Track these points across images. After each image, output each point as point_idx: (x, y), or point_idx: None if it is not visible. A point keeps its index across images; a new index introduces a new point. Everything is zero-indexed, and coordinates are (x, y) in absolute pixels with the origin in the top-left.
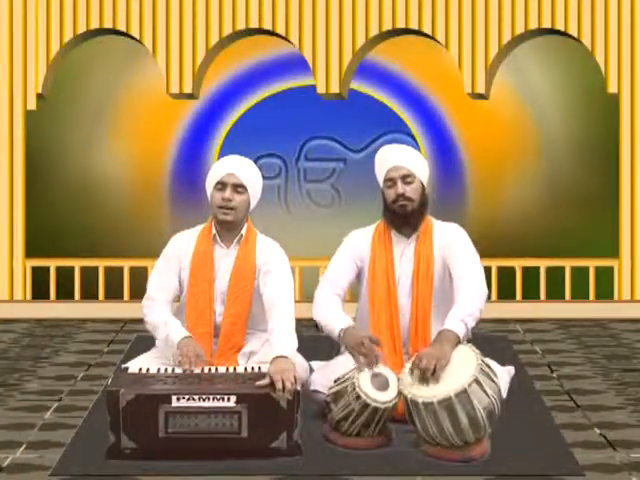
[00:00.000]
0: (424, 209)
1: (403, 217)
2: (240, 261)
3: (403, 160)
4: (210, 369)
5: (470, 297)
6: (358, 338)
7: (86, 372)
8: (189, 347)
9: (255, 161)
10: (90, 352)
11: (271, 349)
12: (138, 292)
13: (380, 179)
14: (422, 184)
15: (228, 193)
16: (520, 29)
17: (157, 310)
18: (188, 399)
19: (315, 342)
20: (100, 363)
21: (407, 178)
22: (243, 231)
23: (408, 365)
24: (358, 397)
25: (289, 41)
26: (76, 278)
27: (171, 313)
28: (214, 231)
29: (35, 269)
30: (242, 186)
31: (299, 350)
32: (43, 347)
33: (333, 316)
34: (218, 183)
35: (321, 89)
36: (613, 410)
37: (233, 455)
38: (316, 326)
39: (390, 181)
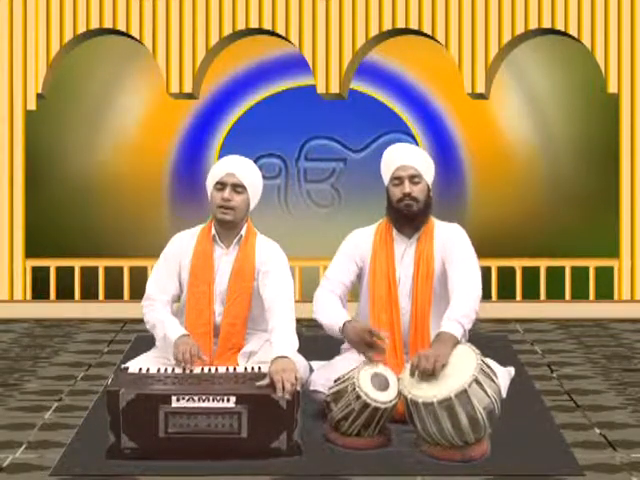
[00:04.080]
0: (428, 210)
1: (407, 217)
2: (239, 261)
3: (412, 160)
4: (210, 369)
5: (464, 298)
6: (359, 332)
7: (86, 372)
8: (185, 346)
9: (255, 161)
10: (90, 352)
11: (271, 349)
12: (138, 292)
13: (387, 177)
14: (428, 186)
15: (227, 193)
16: (520, 29)
17: (156, 310)
18: (188, 399)
19: (315, 342)
20: (100, 363)
21: (415, 178)
22: (243, 231)
23: (408, 366)
24: (358, 397)
25: (289, 41)
26: (76, 278)
27: (171, 313)
28: (214, 231)
29: (35, 269)
30: (241, 186)
31: (299, 350)
32: (43, 347)
33: (332, 314)
34: (218, 183)
35: (321, 89)
36: (613, 410)
37: (233, 456)
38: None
39: (397, 179)
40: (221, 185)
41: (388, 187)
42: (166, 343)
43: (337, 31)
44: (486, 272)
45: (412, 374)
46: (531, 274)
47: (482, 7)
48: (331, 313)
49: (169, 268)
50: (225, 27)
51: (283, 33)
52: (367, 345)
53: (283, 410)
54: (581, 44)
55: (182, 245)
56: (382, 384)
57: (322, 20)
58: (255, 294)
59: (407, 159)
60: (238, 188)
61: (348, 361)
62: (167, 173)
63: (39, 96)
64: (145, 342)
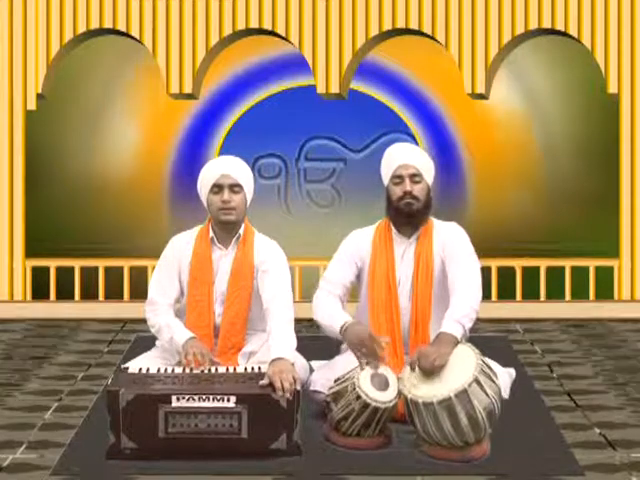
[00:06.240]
0: (428, 210)
1: (407, 216)
2: (238, 261)
3: (413, 159)
4: (210, 369)
5: (464, 298)
6: (360, 336)
7: (86, 372)
8: (195, 347)
9: (255, 161)
10: (90, 352)
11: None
12: (138, 292)
13: (387, 176)
14: (428, 186)
15: (227, 195)
16: (520, 29)
17: (160, 313)
18: (188, 399)
19: (315, 342)
20: (100, 363)
21: (415, 177)
22: (241, 231)
23: (408, 366)
24: (358, 397)
25: (289, 41)
26: (76, 278)
27: (174, 315)
28: (211, 233)
29: (35, 269)
30: (238, 185)
31: (299, 350)
32: (43, 347)
33: (333, 314)
34: (214, 186)
35: (321, 89)
36: (613, 410)
37: (233, 456)
38: (318, 326)
39: (398, 178)
40: (218, 188)
41: (388, 186)
42: (173, 346)
43: (337, 31)
44: (486, 272)
45: (412, 369)
46: (531, 274)
47: (482, 7)
48: (331, 313)
49: (169, 271)
50: (225, 27)
51: (283, 33)
52: (366, 349)
53: (283, 410)
54: (581, 44)
55: (181, 248)
56: (382, 384)
57: (322, 20)
58: (255, 293)
59: (408, 158)
60: (235, 188)
61: (348, 361)
62: (167, 173)
63: (39, 96)
64: (145, 342)
